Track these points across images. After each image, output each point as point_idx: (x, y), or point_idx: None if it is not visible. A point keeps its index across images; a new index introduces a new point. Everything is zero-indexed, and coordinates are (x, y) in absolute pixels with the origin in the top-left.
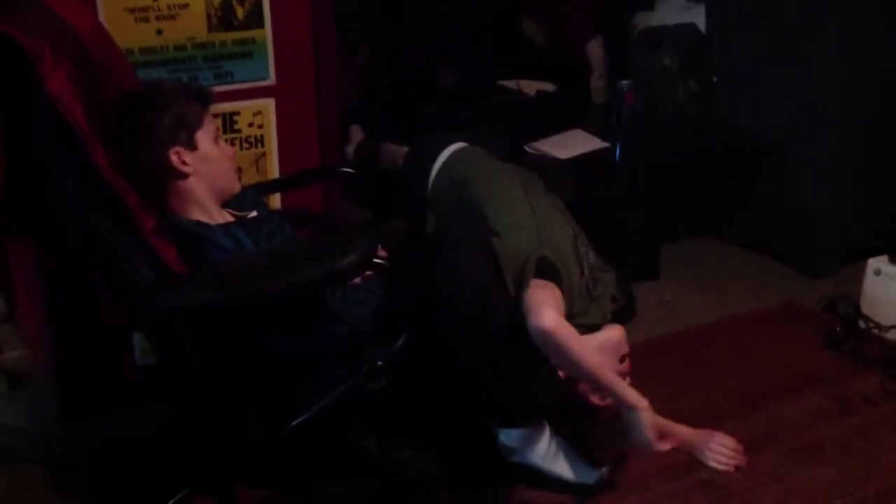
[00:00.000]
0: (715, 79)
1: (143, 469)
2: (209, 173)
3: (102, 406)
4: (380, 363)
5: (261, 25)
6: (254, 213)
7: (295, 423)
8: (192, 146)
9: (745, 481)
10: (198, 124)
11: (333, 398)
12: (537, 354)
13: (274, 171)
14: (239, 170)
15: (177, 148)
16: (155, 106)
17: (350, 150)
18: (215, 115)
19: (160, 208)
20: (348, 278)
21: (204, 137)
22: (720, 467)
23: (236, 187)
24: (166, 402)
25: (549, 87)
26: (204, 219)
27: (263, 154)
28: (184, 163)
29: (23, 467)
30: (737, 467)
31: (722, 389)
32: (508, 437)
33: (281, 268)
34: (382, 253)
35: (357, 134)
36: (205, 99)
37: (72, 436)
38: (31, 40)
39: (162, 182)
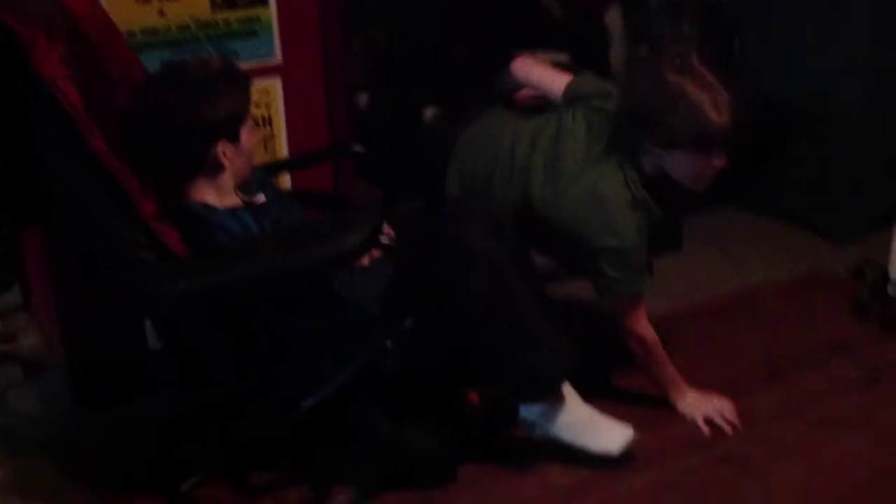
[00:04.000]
0: (736, 43)
1: (157, 454)
2: (240, 164)
3: (116, 392)
4: (388, 343)
5: (265, 3)
6: (261, 197)
7: (306, 403)
8: (235, 140)
9: (768, 453)
10: (244, 117)
11: (343, 378)
12: (552, 324)
13: (283, 152)
14: None
15: (224, 142)
16: (212, 93)
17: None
18: None
19: (165, 190)
20: (353, 258)
21: (245, 129)
22: (704, 429)
23: (248, 176)
24: (180, 388)
25: (563, 58)
26: (212, 202)
27: (271, 134)
28: (226, 156)
29: (37, 453)
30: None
31: (744, 360)
32: (529, 410)
33: (285, 248)
34: (390, 233)
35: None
36: (245, 83)
37: (86, 422)
38: (25, 26)
39: (194, 170)
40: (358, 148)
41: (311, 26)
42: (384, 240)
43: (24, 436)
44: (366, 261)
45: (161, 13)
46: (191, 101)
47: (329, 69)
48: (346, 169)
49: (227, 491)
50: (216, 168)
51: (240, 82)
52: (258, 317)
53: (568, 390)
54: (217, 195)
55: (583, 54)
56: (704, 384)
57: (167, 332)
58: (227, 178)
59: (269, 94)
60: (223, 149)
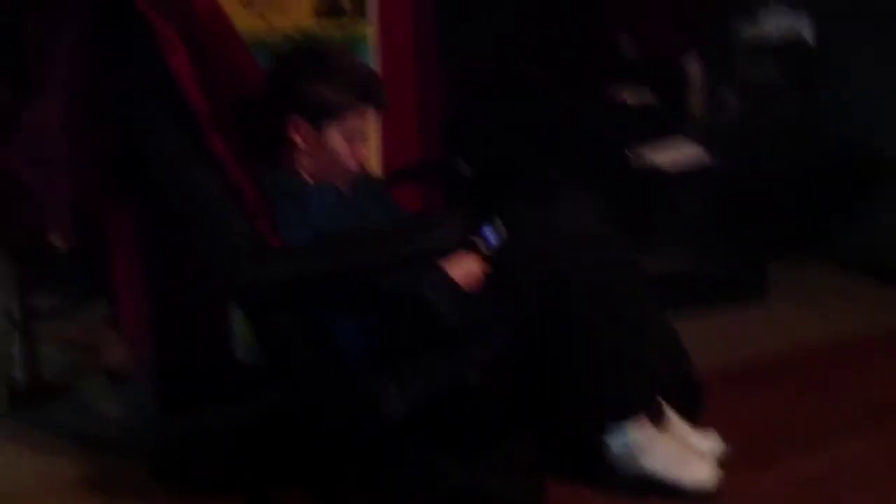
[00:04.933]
0: (822, 91)
1: (239, 462)
2: (317, 159)
3: (202, 400)
4: (477, 355)
5: (366, 17)
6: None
7: (390, 410)
8: (317, 127)
9: (870, 499)
10: (337, 115)
11: (433, 387)
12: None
13: (374, 168)
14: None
15: (300, 119)
16: (317, 73)
17: None
18: None
19: (262, 164)
20: (441, 254)
21: (335, 129)
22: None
23: (339, 185)
24: (264, 397)
25: (647, 95)
26: (304, 176)
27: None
28: (298, 134)
29: (122, 457)
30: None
31: (840, 407)
32: (623, 443)
33: (373, 241)
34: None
35: None
36: (367, 98)
37: (170, 428)
38: (159, 17)
39: (275, 135)
40: (462, 167)
41: (407, 42)
42: (485, 250)
43: (109, 439)
44: (476, 278)
45: (265, 21)
46: (297, 69)
47: (425, 86)
48: (437, 190)
49: (308, 499)
50: (292, 145)
51: (362, 91)
52: (346, 315)
53: (667, 417)
54: (309, 174)
55: (659, 97)
56: (802, 428)
57: (258, 325)
58: (307, 164)
59: None
60: (297, 124)
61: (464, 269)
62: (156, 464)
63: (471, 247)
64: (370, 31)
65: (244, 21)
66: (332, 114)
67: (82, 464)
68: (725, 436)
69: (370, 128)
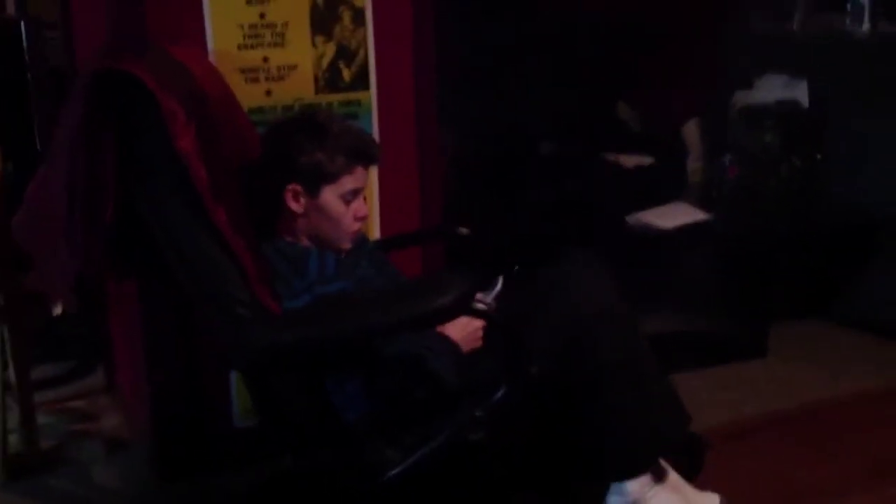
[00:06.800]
0: (819, 155)
1: None
2: (318, 223)
3: (200, 469)
4: (478, 414)
5: (366, 87)
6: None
7: (392, 473)
8: (314, 193)
9: None
10: (332, 179)
11: (433, 447)
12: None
13: (374, 233)
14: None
15: (297, 186)
16: (307, 139)
17: None
18: None
19: (262, 235)
20: (443, 319)
21: (332, 192)
22: None
23: (344, 246)
24: (263, 465)
25: (647, 160)
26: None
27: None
28: (297, 202)
29: None
30: None
31: (844, 463)
32: (620, 495)
33: (374, 306)
34: (491, 303)
35: None
36: (360, 157)
37: (169, 498)
38: (165, 92)
39: (274, 205)
40: (463, 230)
41: (407, 110)
42: (482, 306)
43: None
44: (476, 339)
45: (268, 93)
46: (289, 137)
47: (424, 152)
48: (436, 255)
49: None
50: (290, 213)
51: (352, 151)
52: (346, 379)
53: (667, 473)
54: (309, 240)
55: (659, 163)
56: (807, 486)
57: (258, 390)
58: (307, 230)
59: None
60: (294, 192)
61: (464, 329)
62: None
63: (471, 309)
64: (371, 100)
65: (245, 93)
66: (327, 178)
67: None
68: (728, 494)
69: (367, 185)
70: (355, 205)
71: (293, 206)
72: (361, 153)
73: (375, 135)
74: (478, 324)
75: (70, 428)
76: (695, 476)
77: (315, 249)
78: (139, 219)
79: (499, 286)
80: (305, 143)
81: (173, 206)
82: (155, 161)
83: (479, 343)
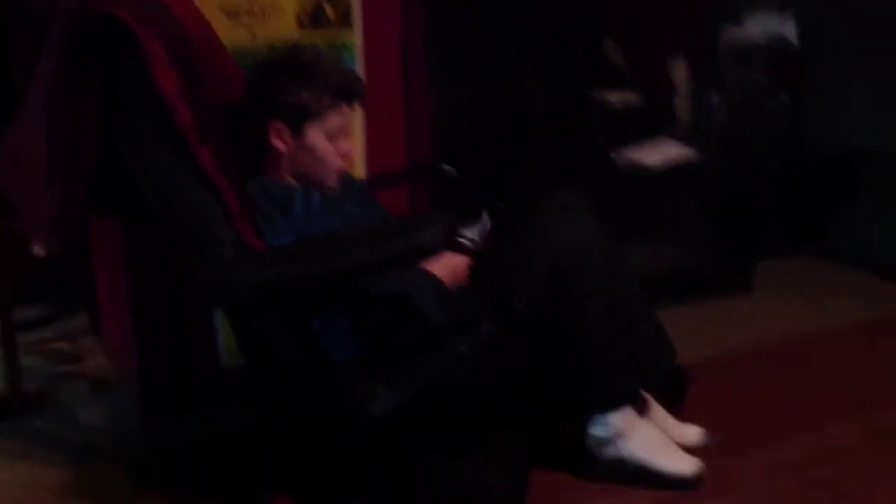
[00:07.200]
0: (806, 92)
1: (224, 470)
2: (303, 162)
3: (186, 408)
4: (463, 350)
5: (350, 25)
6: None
7: (378, 412)
8: (298, 131)
9: (862, 482)
10: (317, 116)
11: (419, 385)
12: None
13: (361, 173)
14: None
15: (281, 125)
16: (292, 78)
17: None
18: None
19: (247, 173)
20: (427, 255)
21: (316, 130)
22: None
23: (329, 184)
24: (250, 405)
25: (633, 97)
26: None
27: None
28: (281, 140)
29: (105, 465)
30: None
31: (827, 394)
32: (604, 426)
33: (359, 242)
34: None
35: None
36: (345, 95)
37: (154, 437)
38: (146, 33)
39: (258, 144)
40: (447, 167)
41: (393, 50)
42: (469, 244)
43: (92, 447)
44: (461, 275)
45: (251, 32)
46: (274, 76)
47: (411, 93)
48: (423, 193)
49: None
50: (275, 152)
51: (338, 90)
52: (332, 318)
53: (650, 405)
54: (294, 179)
55: (645, 100)
56: (789, 415)
57: (244, 330)
58: (292, 169)
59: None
60: (278, 130)
61: (448, 266)
62: (141, 472)
63: (456, 245)
64: (355, 38)
65: (228, 32)
66: (312, 115)
67: (66, 472)
68: (710, 426)
69: (353, 123)
70: (340, 142)
71: (277, 144)
72: (346, 91)
73: (361, 73)
74: (462, 260)
75: (55, 369)
76: (677, 409)
77: (300, 188)
78: (121, 162)
79: (484, 222)
80: (291, 82)
81: (156, 148)
82: (137, 103)
83: (464, 279)
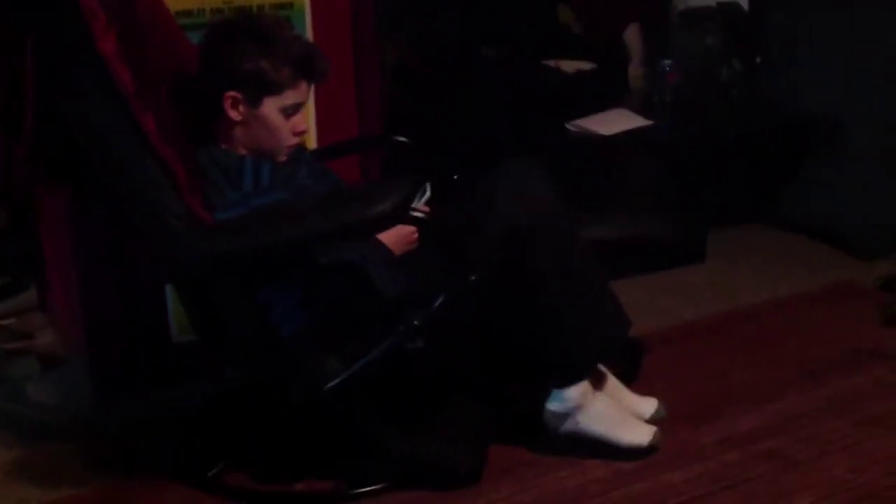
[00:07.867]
0: (758, 58)
1: (178, 445)
2: (256, 133)
3: (138, 385)
4: (417, 322)
5: None
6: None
7: (332, 383)
8: (254, 103)
9: (812, 450)
10: (275, 90)
11: (373, 357)
12: (602, 291)
13: (312, 143)
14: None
15: (237, 94)
16: (251, 44)
17: None
18: None
19: (198, 141)
20: (382, 226)
21: (272, 104)
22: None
23: (279, 159)
24: (202, 380)
25: (587, 65)
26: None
27: None
28: (236, 110)
29: (57, 443)
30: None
31: (781, 364)
32: (560, 401)
33: (312, 213)
34: (425, 208)
35: None
36: (306, 72)
37: (106, 414)
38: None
39: (212, 111)
40: (401, 138)
41: (343, 15)
42: (421, 214)
43: (44, 425)
44: (410, 243)
45: None
46: (232, 42)
47: (361, 59)
48: (374, 163)
49: (253, 478)
50: (229, 120)
51: (299, 64)
52: (283, 290)
53: (606, 378)
54: (245, 149)
55: (600, 69)
56: (742, 387)
57: (194, 304)
58: (244, 139)
59: None
60: (234, 100)
61: (399, 236)
62: (92, 449)
63: (407, 216)
64: (304, 1)
65: None
66: (270, 89)
67: (15, 450)
68: (666, 395)
69: (308, 100)
70: (295, 119)
71: (231, 113)
72: (308, 67)
73: (309, 36)
74: (412, 230)
75: (3, 346)
76: (633, 381)
77: (250, 158)
78: (66, 126)
79: (427, 192)
80: (250, 50)
81: (100, 115)
82: (78, 67)
83: (412, 247)
